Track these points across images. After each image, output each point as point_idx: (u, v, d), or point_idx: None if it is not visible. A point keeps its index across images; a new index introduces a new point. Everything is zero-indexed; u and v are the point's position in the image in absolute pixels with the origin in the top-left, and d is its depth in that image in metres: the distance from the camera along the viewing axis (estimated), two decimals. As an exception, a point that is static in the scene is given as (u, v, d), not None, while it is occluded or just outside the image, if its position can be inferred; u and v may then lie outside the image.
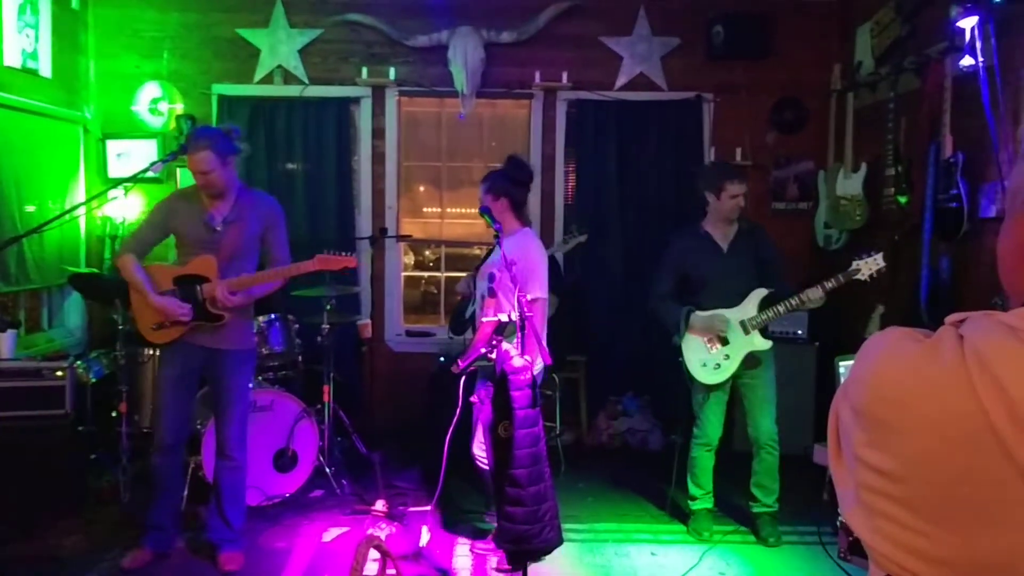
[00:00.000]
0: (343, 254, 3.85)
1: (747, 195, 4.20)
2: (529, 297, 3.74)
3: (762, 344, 4.09)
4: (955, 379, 0.83)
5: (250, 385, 4.04)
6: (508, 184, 3.93)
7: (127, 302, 3.96)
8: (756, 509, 4.28)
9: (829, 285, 3.88)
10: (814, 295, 3.90)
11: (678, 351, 4.23)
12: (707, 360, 4.16)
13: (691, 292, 4.23)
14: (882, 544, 0.89)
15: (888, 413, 0.88)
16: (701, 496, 4.31)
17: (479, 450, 3.90)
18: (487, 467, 3.86)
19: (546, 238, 5.82)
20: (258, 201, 3.91)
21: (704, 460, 4.28)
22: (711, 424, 4.23)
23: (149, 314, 3.71)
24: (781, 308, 4.00)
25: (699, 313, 4.15)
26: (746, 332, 4.08)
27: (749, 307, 4.09)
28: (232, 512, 3.88)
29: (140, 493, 4.32)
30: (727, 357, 4.12)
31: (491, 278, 3.64)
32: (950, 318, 0.91)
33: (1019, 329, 0.83)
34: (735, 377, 4.19)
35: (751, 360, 4.14)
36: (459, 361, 3.80)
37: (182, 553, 3.95)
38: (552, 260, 5.11)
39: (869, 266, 3.84)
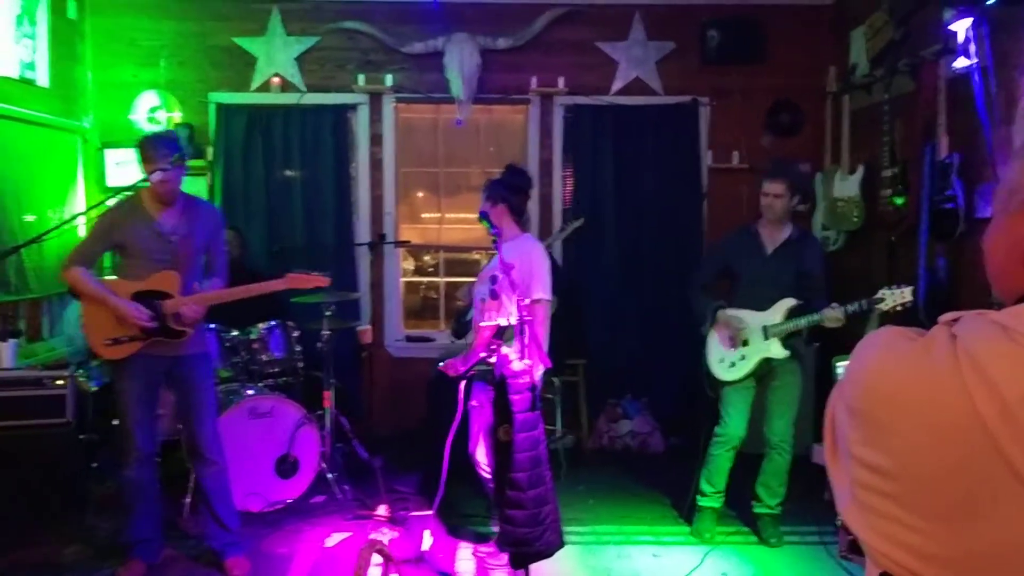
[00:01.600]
0: (315, 273, 3.85)
1: (781, 197, 4.12)
2: (533, 297, 3.78)
3: (779, 353, 4.08)
4: (948, 378, 0.85)
5: (214, 385, 3.98)
6: (504, 190, 3.95)
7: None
8: (758, 510, 4.28)
9: (851, 309, 3.87)
10: (833, 316, 3.89)
11: (702, 342, 4.29)
12: (724, 356, 4.21)
13: (730, 288, 4.27)
14: (877, 540, 0.90)
15: (882, 411, 0.90)
16: (711, 494, 4.29)
17: (481, 456, 3.91)
18: (488, 474, 3.88)
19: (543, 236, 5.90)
20: (203, 210, 3.88)
21: (722, 460, 4.24)
22: (732, 420, 4.20)
23: (105, 327, 3.59)
24: (803, 322, 4.01)
25: (725, 311, 4.19)
26: (766, 338, 4.09)
27: (775, 314, 4.09)
28: (226, 515, 3.87)
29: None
30: (743, 358, 4.15)
31: (493, 280, 3.65)
32: (943, 317, 0.92)
33: (1011, 328, 0.85)
34: (761, 379, 4.20)
35: (767, 368, 4.15)
36: (458, 365, 3.81)
37: (185, 561, 3.95)
38: (551, 257, 5.13)
39: (895, 298, 3.79)
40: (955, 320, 0.91)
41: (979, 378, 0.82)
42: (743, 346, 4.14)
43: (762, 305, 4.13)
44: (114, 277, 3.84)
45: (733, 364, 4.17)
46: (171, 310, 3.63)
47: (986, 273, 1.00)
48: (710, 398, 4.31)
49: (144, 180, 3.63)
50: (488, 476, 3.91)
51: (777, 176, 4.19)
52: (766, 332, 4.09)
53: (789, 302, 4.09)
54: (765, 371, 4.16)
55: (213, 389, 3.95)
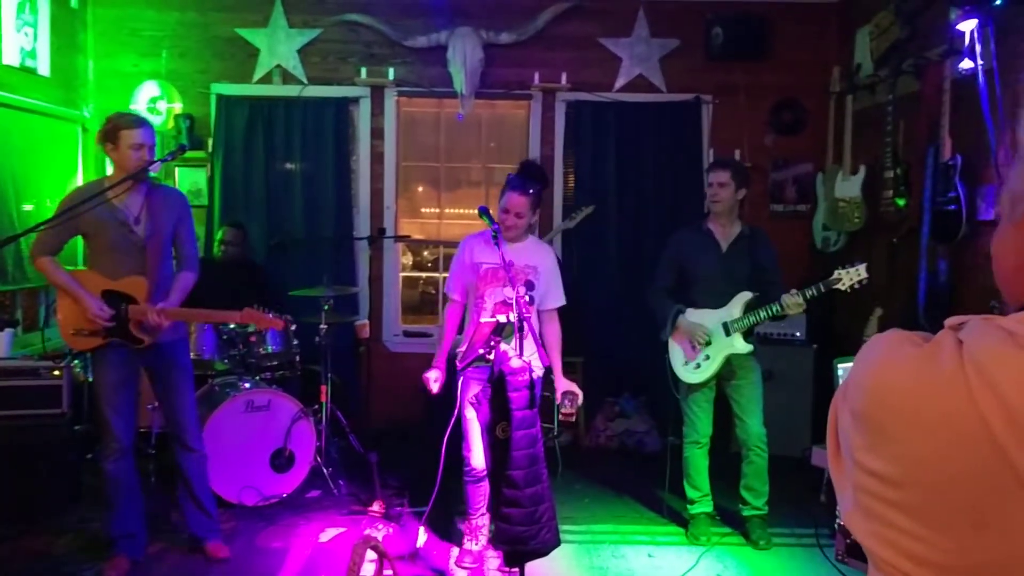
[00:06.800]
0: (272, 315, 3.81)
1: (726, 186, 4.12)
2: (558, 305, 3.86)
3: (743, 347, 4.09)
4: (953, 384, 0.83)
5: (192, 372, 3.95)
6: (541, 193, 3.91)
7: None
8: (746, 512, 4.27)
9: (809, 293, 3.86)
10: (793, 302, 3.88)
11: (664, 347, 4.27)
12: (688, 360, 4.20)
13: (685, 287, 4.25)
14: (880, 548, 0.88)
15: (886, 418, 0.88)
16: (699, 499, 4.30)
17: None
18: (476, 478, 3.86)
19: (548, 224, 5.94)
20: (168, 197, 3.79)
21: (697, 459, 4.27)
22: (700, 420, 4.23)
23: (73, 317, 3.57)
24: (763, 313, 4.00)
25: (686, 317, 4.17)
26: (727, 334, 4.09)
27: (734, 309, 4.10)
28: (207, 501, 3.93)
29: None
30: (707, 358, 4.14)
31: (530, 286, 3.64)
32: (949, 321, 0.90)
33: (1017, 334, 0.83)
34: (721, 380, 4.20)
35: (732, 364, 4.14)
36: (456, 361, 3.79)
37: (174, 555, 3.93)
38: None
39: (851, 276, 3.82)
40: (961, 324, 0.89)
41: (985, 385, 0.80)
42: (705, 346, 4.14)
43: (719, 302, 4.13)
44: (84, 269, 3.78)
45: (698, 366, 4.17)
46: (135, 316, 3.58)
47: (993, 278, 0.98)
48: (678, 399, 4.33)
49: (143, 170, 3.59)
50: (476, 479, 3.92)
51: (720, 166, 4.24)
52: (727, 328, 4.09)
53: (746, 296, 4.09)
54: (726, 369, 4.16)
55: (191, 376, 3.91)
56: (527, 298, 3.63)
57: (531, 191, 3.77)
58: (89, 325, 3.55)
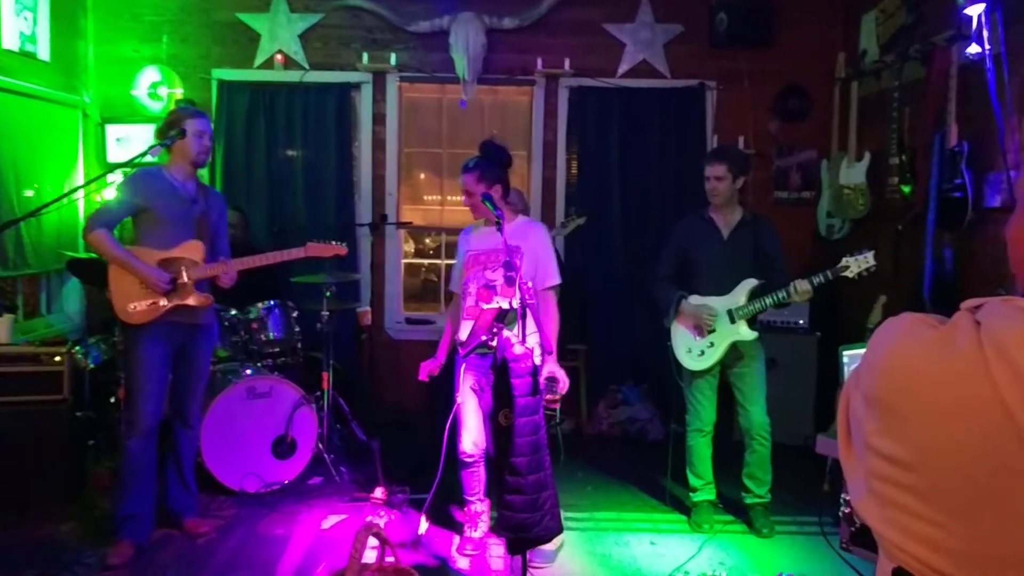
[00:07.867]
0: (334, 243, 4.03)
1: (723, 179, 4.09)
2: (548, 285, 3.81)
3: (747, 334, 4.07)
4: (971, 366, 0.81)
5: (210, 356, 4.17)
6: (499, 169, 3.87)
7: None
8: (749, 500, 4.27)
9: (817, 280, 3.84)
10: (800, 288, 3.85)
11: (668, 334, 4.26)
12: (692, 346, 4.17)
13: (688, 276, 4.23)
14: (893, 533, 0.87)
15: (901, 400, 0.86)
16: (701, 487, 4.29)
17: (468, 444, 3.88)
18: (468, 463, 3.85)
19: (546, 224, 5.86)
20: (213, 193, 4.07)
21: (701, 448, 4.26)
22: (704, 408, 4.22)
23: (127, 291, 3.66)
24: (769, 300, 3.97)
25: (690, 301, 4.14)
26: (732, 321, 4.06)
27: (739, 296, 4.07)
28: (192, 479, 4.03)
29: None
30: (711, 345, 4.12)
31: (508, 267, 3.60)
32: (966, 304, 0.88)
33: (1036, 315, 0.81)
34: (725, 367, 4.19)
35: (735, 352, 4.12)
36: (459, 348, 3.78)
37: (177, 542, 3.92)
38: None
39: (859, 264, 3.79)
40: (978, 307, 0.87)
41: (1005, 365, 0.78)
42: (710, 333, 4.12)
43: (726, 289, 4.11)
44: (131, 246, 3.81)
45: (702, 352, 4.15)
46: (197, 276, 3.74)
47: (999, 265, 0.97)
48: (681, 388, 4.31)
49: (143, 154, 3.66)
50: (473, 467, 3.91)
51: (716, 159, 4.17)
52: (732, 315, 4.07)
53: (751, 283, 4.07)
54: (730, 356, 4.14)
55: (210, 361, 4.11)
56: (506, 279, 3.61)
57: (473, 167, 3.79)
58: (146, 297, 3.66)
